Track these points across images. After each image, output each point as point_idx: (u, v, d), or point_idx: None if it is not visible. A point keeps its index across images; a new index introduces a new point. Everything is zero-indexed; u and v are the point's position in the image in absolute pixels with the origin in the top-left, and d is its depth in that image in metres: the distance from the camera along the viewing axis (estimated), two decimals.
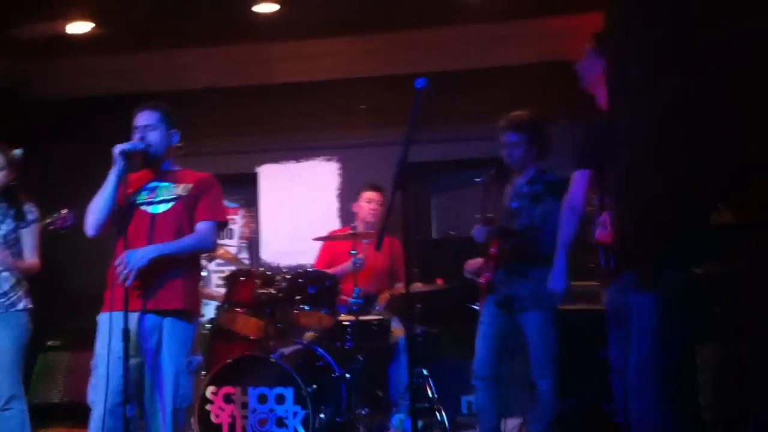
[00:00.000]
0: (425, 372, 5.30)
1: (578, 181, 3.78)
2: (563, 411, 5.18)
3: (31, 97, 6.74)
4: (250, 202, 6.78)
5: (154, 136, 3.79)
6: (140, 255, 3.60)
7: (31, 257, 4.41)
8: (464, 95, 5.78)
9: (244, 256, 6.20)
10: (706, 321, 4.07)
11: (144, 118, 3.82)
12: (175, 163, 3.95)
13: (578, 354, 5.10)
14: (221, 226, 3.95)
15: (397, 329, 5.47)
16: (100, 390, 3.58)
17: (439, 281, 5.51)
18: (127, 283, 3.55)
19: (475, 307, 4.86)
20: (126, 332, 3.47)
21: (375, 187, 5.84)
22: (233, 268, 5.45)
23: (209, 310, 5.28)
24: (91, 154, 6.38)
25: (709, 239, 3.29)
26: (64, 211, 4.59)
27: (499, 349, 4.47)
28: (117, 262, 3.60)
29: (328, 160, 6.76)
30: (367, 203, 5.79)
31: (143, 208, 3.77)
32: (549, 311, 4.34)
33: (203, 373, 4.79)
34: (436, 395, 5.27)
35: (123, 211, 3.69)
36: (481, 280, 4.57)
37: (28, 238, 4.41)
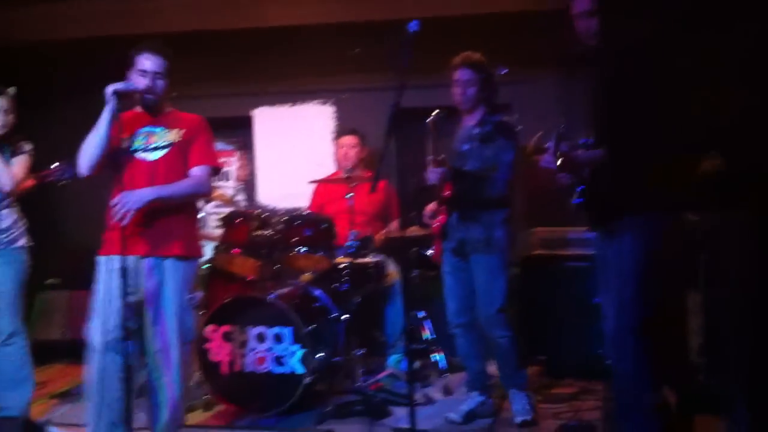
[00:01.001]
0: (421, 314, 5.37)
1: None
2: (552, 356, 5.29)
3: (15, 43, 6.64)
4: (245, 144, 6.77)
5: (160, 85, 3.79)
6: (138, 196, 3.62)
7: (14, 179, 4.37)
8: (462, 41, 5.77)
9: (240, 198, 6.20)
10: (691, 267, 4.14)
11: (153, 64, 3.76)
12: (165, 104, 3.92)
13: (574, 299, 5.21)
14: (215, 170, 3.96)
15: (393, 272, 5.52)
16: (99, 327, 3.63)
17: None
18: (124, 222, 3.57)
19: (428, 253, 4.89)
20: (124, 271, 3.49)
21: (348, 131, 5.89)
22: (230, 210, 5.46)
23: (206, 251, 5.30)
24: (78, 99, 6.37)
25: (692, 186, 3.33)
26: (59, 164, 4.57)
27: (468, 298, 4.44)
28: (114, 202, 3.62)
29: (323, 104, 6.75)
30: (341, 148, 5.82)
31: (138, 155, 3.77)
32: (497, 255, 4.32)
33: (201, 311, 4.85)
34: (432, 337, 5.34)
35: (118, 156, 3.69)
36: (434, 224, 4.59)
37: (16, 167, 4.38)
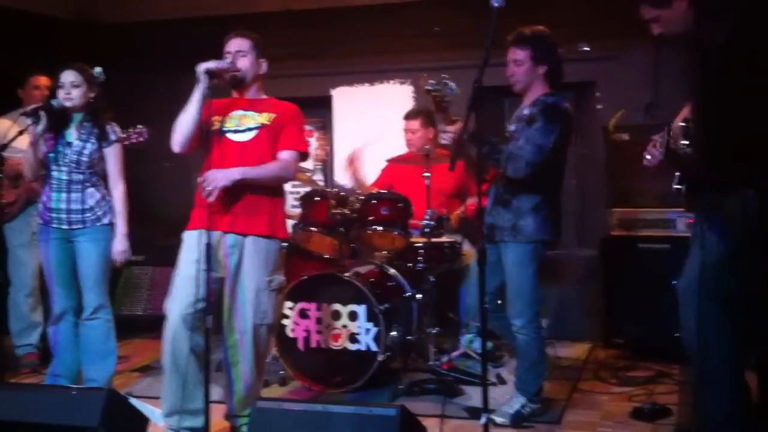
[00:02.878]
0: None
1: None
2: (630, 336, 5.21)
3: (101, 22, 6.83)
4: (324, 124, 6.83)
5: (244, 62, 3.89)
6: (224, 174, 3.73)
7: (115, 178, 4.52)
8: (546, 16, 5.69)
9: (318, 177, 6.26)
10: None
11: (236, 44, 3.91)
12: (261, 91, 4.03)
13: (652, 281, 5.12)
14: (302, 156, 4.03)
15: (468, 252, 5.51)
16: (177, 300, 3.74)
17: None
18: (210, 199, 3.67)
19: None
20: (208, 246, 3.56)
21: (411, 115, 5.81)
22: (308, 189, 5.53)
23: None
24: (162, 77, 6.52)
25: None
26: (139, 127, 4.69)
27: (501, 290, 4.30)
28: (201, 179, 3.72)
29: (402, 83, 6.75)
30: (405, 132, 5.80)
31: (229, 136, 3.88)
32: (526, 244, 4.14)
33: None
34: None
35: (208, 136, 3.78)
36: (470, 207, 4.45)
37: (112, 159, 4.52)
